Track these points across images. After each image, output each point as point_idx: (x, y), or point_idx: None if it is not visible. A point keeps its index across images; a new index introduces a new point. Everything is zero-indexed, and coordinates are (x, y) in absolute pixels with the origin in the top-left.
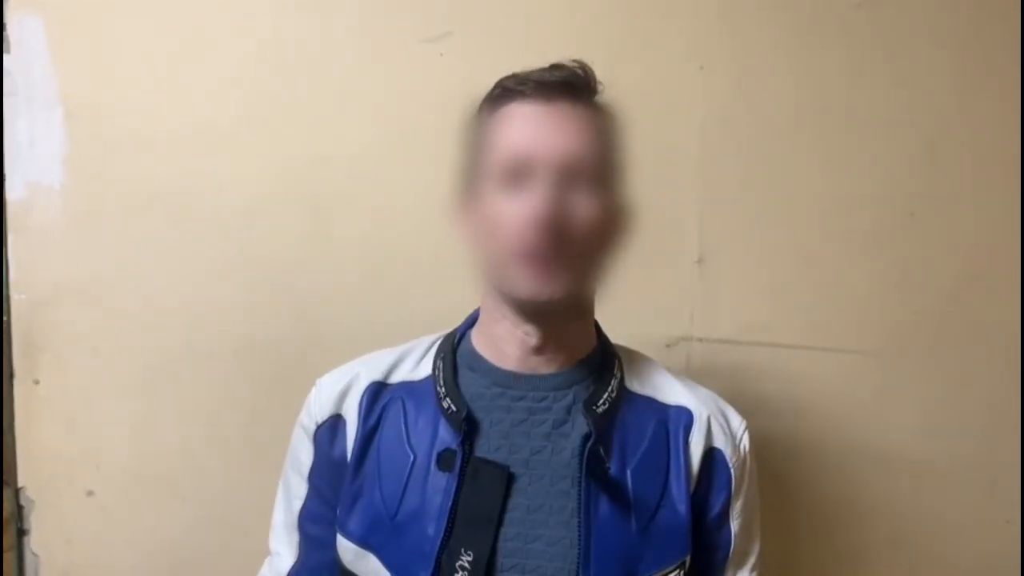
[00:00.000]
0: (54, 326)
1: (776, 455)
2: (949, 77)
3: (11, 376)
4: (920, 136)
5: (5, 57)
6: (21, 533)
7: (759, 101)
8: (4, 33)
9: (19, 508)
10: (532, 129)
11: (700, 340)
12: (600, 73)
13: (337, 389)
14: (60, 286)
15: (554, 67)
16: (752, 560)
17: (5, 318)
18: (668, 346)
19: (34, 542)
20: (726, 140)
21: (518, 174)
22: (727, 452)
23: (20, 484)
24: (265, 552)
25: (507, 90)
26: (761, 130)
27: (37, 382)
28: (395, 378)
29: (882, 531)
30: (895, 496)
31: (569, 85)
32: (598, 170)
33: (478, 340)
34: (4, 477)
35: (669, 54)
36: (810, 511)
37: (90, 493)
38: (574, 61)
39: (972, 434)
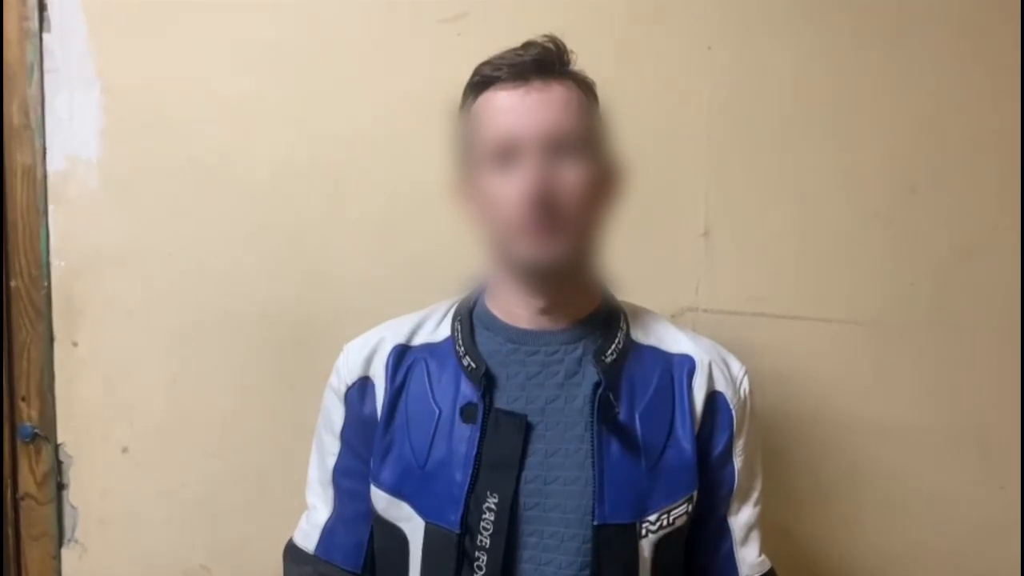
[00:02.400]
0: (92, 291)
1: (775, 424)
2: (950, 56)
3: (52, 339)
4: (921, 114)
5: (45, 36)
6: (60, 487)
7: (765, 80)
8: (45, 13)
9: (58, 463)
10: (512, 113)
11: (705, 311)
12: (610, 51)
13: (364, 353)
14: (97, 253)
15: (526, 46)
16: (755, 495)
17: (47, 283)
18: (674, 316)
19: (72, 495)
20: (732, 117)
21: (507, 155)
22: (728, 395)
23: (59, 441)
24: (290, 504)
25: (485, 77)
26: (766, 108)
27: (76, 344)
28: (417, 340)
29: (879, 498)
30: (892, 464)
31: (542, 62)
32: (580, 139)
33: (491, 303)
34: (46, 434)
35: (678, 33)
36: (809, 479)
37: (125, 449)
38: (545, 36)
39: (966, 402)
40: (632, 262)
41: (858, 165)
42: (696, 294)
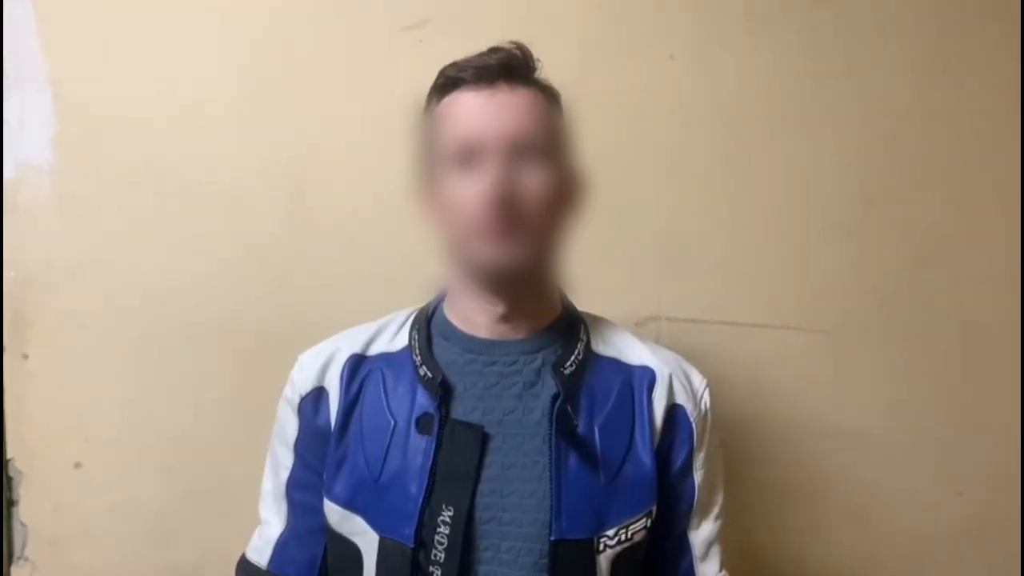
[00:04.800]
0: (43, 302)
1: (738, 432)
2: (908, 69)
3: (1, 351)
4: (880, 126)
5: None
6: (9, 504)
7: (726, 90)
8: None
9: (8, 480)
10: (476, 114)
11: (668, 319)
12: (573, 60)
13: (319, 363)
14: (49, 263)
15: (492, 51)
16: (715, 510)
17: None
18: (637, 324)
19: (22, 513)
20: (694, 126)
21: (469, 156)
22: (688, 408)
23: (8, 456)
24: (250, 522)
25: (450, 78)
26: (728, 117)
27: (26, 356)
28: (373, 350)
29: (839, 505)
30: (852, 471)
31: (507, 67)
32: (543, 145)
33: (450, 311)
34: None
35: (640, 43)
36: (769, 487)
37: (77, 465)
38: (511, 43)
39: (924, 410)
40: (594, 271)
41: (817, 175)
42: (658, 303)
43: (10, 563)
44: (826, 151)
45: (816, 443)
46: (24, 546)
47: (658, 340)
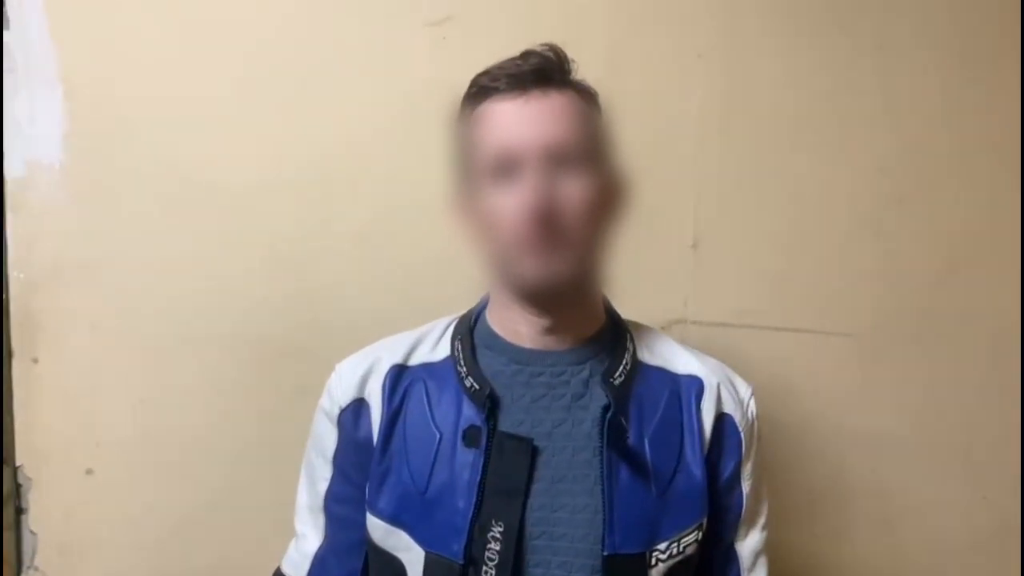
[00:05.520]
0: (53, 305)
1: (764, 436)
2: (939, 68)
3: (10, 355)
4: (910, 127)
5: (4, 34)
6: (19, 511)
7: (754, 90)
8: (3, 9)
9: (17, 487)
10: (511, 124)
11: (694, 323)
12: (599, 60)
13: (358, 374)
14: (59, 265)
15: (525, 55)
16: (762, 520)
17: (4, 296)
18: (663, 328)
19: (32, 520)
20: (722, 128)
21: (507, 168)
22: (736, 417)
23: (18, 463)
24: (267, 529)
25: (482, 88)
26: (756, 118)
27: (36, 360)
28: (415, 360)
29: (867, 509)
30: (879, 475)
31: (541, 72)
32: (583, 150)
33: (493, 321)
34: (3, 455)
35: (667, 42)
36: (797, 490)
37: (89, 471)
38: (544, 45)
39: (950, 414)
40: (621, 274)
41: (846, 176)
42: (685, 306)
43: (20, 572)
44: (856, 151)
45: (842, 447)
46: (34, 555)
47: (684, 344)
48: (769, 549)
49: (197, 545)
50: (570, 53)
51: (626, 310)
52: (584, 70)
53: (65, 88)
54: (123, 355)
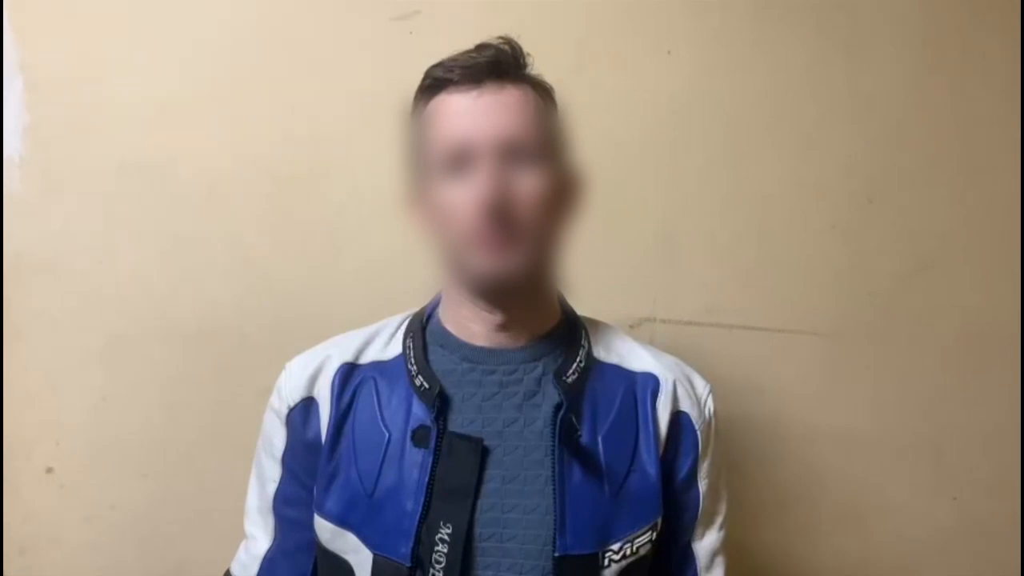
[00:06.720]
0: (13, 300)
1: (731, 435)
2: (909, 68)
3: None
4: (880, 125)
5: None
6: None
7: (724, 87)
8: None
9: None
10: (465, 116)
11: (663, 321)
12: (569, 56)
13: (308, 372)
14: (19, 260)
15: (480, 47)
16: (719, 519)
17: None
18: (632, 327)
19: None
20: (691, 124)
21: (460, 161)
22: (693, 415)
23: None
24: (228, 529)
25: (436, 79)
26: (725, 115)
27: None
28: (366, 358)
29: (835, 509)
30: (847, 474)
31: (496, 65)
32: (537, 145)
33: (445, 318)
34: None
35: (637, 39)
36: (765, 489)
37: (49, 470)
38: (500, 38)
39: (919, 414)
40: (589, 272)
41: (815, 175)
42: (654, 304)
43: None
44: (825, 150)
45: (810, 446)
46: None
47: (652, 342)
48: (731, 548)
49: (159, 545)
50: (539, 49)
51: (595, 308)
52: (551, 67)
53: (26, 81)
54: (85, 352)
